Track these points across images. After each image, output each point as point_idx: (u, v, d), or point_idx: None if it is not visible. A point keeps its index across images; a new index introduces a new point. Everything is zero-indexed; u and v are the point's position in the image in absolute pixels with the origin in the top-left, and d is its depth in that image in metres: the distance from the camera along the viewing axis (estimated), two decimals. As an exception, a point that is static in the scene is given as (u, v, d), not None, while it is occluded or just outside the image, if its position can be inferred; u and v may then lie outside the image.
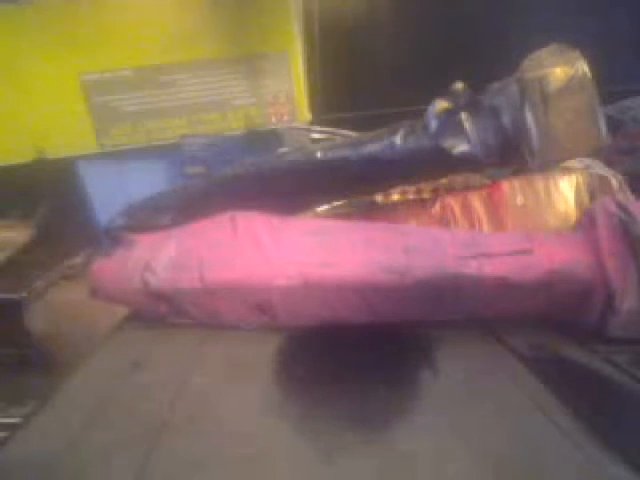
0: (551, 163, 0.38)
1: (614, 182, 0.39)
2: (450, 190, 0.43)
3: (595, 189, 0.39)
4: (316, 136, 0.57)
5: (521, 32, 0.61)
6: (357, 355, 0.29)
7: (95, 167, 0.57)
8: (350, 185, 0.39)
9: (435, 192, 0.43)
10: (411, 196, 0.44)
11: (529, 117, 0.35)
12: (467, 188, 0.42)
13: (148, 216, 0.37)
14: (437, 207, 0.40)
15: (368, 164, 0.37)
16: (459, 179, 0.43)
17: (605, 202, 0.31)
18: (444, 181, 0.43)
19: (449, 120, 0.36)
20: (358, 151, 0.37)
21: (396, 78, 0.71)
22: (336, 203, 0.43)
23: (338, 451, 0.21)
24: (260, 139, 0.56)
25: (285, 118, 0.57)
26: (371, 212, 0.42)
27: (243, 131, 0.56)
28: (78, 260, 0.52)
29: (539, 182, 0.39)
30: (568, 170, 0.40)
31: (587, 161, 0.40)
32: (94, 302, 0.34)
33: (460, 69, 0.40)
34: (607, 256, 0.29)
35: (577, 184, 0.39)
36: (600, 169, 0.40)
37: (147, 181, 0.51)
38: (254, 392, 0.25)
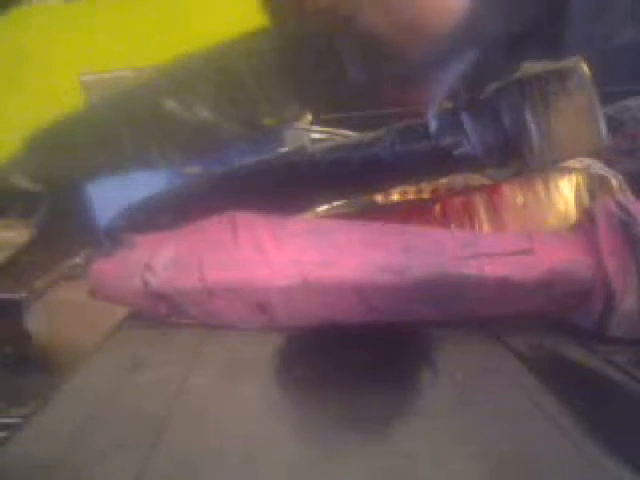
0: (551, 163, 0.38)
1: (614, 182, 0.39)
2: (450, 190, 0.43)
3: (595, 189, 0.39)
4: (316, 136, 0.57)
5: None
6: (357, 355, 0.29)
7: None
8: (350, 185, 0.39)
9: (435, 192, 0.43)
10: (411, 196, 0.44)
11: (529, 117, 0.35)
12: (467, 188, 0.42)
13: (148, 216, 0.37)
14: (437, 207, 0.40)
15: (368, 164, 0.37)
16: (459, 179, 0.43)
17: (605, 202, 0.31)
18: (444, 181, 0.43)
19: (449, 120, 0.36)
20: (358, 151, 0.37)
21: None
22: (336, 203, 0.43)
23: (338, 451, 0.21)
24: (260, 139, 0.55)
25: (285, 118, 0.57)
26: (371, 212, 0.42)
27: (243, 131, 0.56)
28: (78, 260, 0.52)
29: (539, 182, 0.39)
30: (568, 170, 0.40)
31: (587, 161, 0.40)
32: (94, 302, 0.34)
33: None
34: (607, 256, 0.29)
35: (577, 184, 0.39)
36: (600, 169, 0.40)
37: (147, 181, 0.51)
38: (254, 392, 0.25)
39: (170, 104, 0.21)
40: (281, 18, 0.24)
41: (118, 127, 0.26)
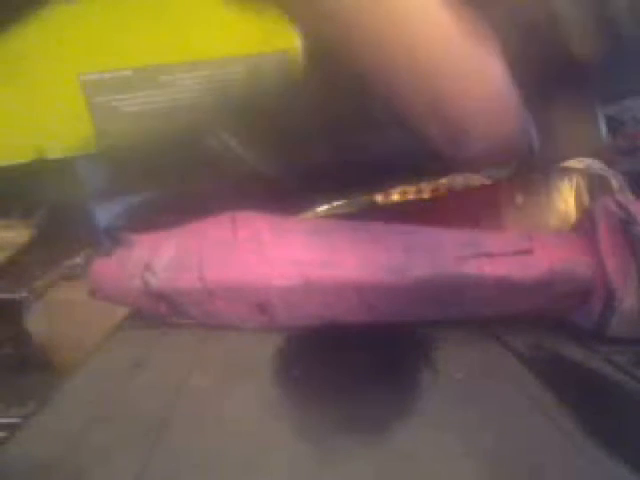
0: (551, 163, 0.38)
1: (614, 182, 0.39)
2: (450, 190, 0.43)
3: (595, 189, 0.39)
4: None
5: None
6: (357, 355, 0.29)
7: (95, 167, 0.56)
8: (350, 185, 0.40)
9: (435, 192, 0.43)
10: (411, 196, 0.44)
11: (529, 117, 0.35)
12: (467, 188, 0.42)
13: (148, 216, 0.37)
14: (437, 207, 0.40)
15: (368, 164, 0.37)
16: (459, 179, 0.43)
17: (605, 202, 0.31)
18: (444, 181, 0.43)
19: (449, 120, 0.36)
20: (358, 151, 0.37)
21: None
22: (336, 203, 0.43)
23: (338, 452, 0.21)
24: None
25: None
26: (371, 212, 0.42)
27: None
28: (78, 260, 0.52)
29: (539, 182, 0.39)
30: (568, 170, 0.40)
31: (587, 161, 0.40)
32: (94, 302, 0.34)
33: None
34: (607, 256, 0.29)
35: (577, 184, 0.39)
36: (600, 169, 0.40)
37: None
38: (254, 392, 0.25)
39: (209, 140, 0.22)
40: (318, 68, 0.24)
41: (163, 162, 0.27)
